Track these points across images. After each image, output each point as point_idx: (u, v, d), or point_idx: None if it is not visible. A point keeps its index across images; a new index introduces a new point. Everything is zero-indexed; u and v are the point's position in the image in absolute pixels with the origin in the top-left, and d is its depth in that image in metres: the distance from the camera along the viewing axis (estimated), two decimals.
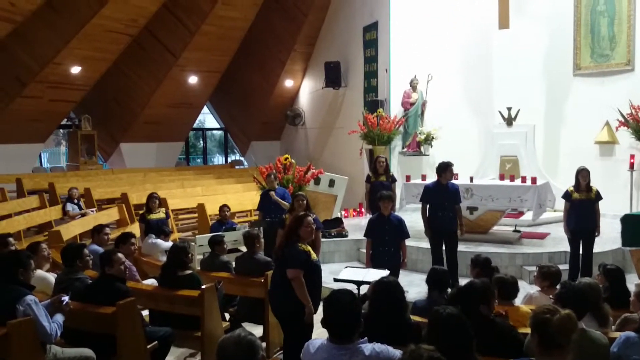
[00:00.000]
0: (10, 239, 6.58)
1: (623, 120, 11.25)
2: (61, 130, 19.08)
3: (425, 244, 9.16)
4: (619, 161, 11.58)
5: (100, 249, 6.55)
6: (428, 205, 8.06)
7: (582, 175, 7.90)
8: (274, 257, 5.26)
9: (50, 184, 12.74)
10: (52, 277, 5.81)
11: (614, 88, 11.79)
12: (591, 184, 7.93)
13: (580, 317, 3.68)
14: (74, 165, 15.72)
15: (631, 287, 4.95)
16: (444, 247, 8.02)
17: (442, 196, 7.93)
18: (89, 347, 4.79)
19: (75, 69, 13.93)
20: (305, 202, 7.81)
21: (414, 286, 7.93)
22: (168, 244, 7.55)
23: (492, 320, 3.97)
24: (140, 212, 9.44)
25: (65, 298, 4.60)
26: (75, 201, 11.44)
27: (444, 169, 7.93)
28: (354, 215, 12.59)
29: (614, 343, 3.69)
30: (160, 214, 9.09)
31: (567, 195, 8.00)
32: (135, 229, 9.69)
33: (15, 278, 4.41)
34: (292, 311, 4.84)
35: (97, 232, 7.21)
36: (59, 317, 4.50)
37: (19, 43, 12.78)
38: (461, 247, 8.26)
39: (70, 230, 9.46)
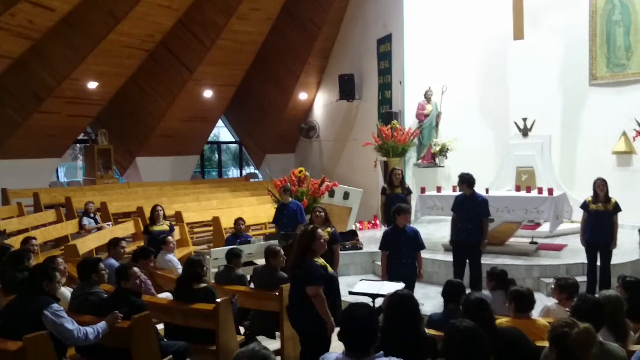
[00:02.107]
0: (30, 254, 6.66)
1: None
2: (78, 145, 19.26)
3: (441, 256, 9.16)
4: (637, 171, 11.45)
5: (117, 263, 6.61)
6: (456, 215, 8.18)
7: (597, 185, 7.84)
8: (289, 274, 5.22)
9: (66, 198, 12.84)
10: (67, 291, 5.84)
11: (631, 98, 11.68)
12: (610, 195, 7.84)
13: (597, 330, 3.62)
14: (91, 179, 15.85)
15: None
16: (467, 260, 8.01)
17: (462, 207, 8.01)
18: None
19: (92, 84, 14.09)
20: (323, 214, 7.77)
21: (430, 299, 7.87)
22: (179, 267, 7.59)
23: (508, 331, 3.92)
24: None
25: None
26: (92, 215, 11.52)
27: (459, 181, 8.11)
28: (368, 228, 12.54)
29: (633, 356, 3.62)
30: (163, 226, 9.11)
31: (584, 206, 7.95)
32: None
33: (41, 289, 4.56)
34: (314, 329, 4.82)
35: (113, 245, 7.26)
36: (102, 324, 4.63)
37: (37, 59, 12.97)
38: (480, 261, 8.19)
39: (86, 244, 9.51)
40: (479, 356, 3.14)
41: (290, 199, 9.26)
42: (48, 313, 4.37)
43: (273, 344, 6.16)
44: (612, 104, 11.92)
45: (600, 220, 7.76)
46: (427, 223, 11.56)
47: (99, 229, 11.15)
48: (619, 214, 7.83)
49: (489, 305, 4.10)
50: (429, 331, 4.24)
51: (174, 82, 15.52)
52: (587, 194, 8.08)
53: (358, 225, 12.23)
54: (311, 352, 4.79)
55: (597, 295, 4.53)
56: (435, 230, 11.19)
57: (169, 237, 8.33)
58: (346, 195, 11.36)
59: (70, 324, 4.44)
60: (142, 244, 9.03)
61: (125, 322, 4.77)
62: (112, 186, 15.34)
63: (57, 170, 17.27)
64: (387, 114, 13.47)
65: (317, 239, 4.98)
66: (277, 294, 6.00)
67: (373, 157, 13.28)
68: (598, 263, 7.86)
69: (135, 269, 5.33)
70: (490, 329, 3.82)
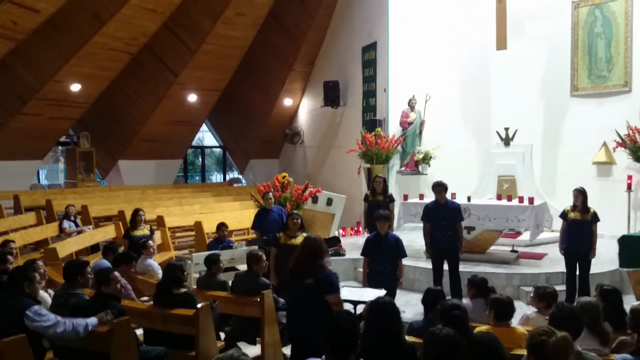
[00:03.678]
0: (9, 257, 6.58)
1: (620, 141, 11.28)
2: (60, 147, 19.10)
3: (423, 264, 9.18)
4: (617, 182, 11.59)
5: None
6: (429, 224, 8.15)
7: (573, 194, 7.93)
8: (292, 281, 5.19)
9: (47, 200, 12.69)
10: (48, 296, 5.77)
11: (611, 109, 11.84)
12: (589, 205, 7.90)
13: (575, 338, 3.66)
14: (72, 182, 15.71)
15: (628, 309, 4.93)
16: (446, 267, 8.05)
17: (439, 215, 8.01)
18: None
19: (75, 87, 13.98)
20: (299, 221, 7.76)
21: (411, 306, 7.89)
22: (159, 272, 7.57)
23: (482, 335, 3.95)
24: None
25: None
26: (72, 218, 11.39)
27: (434, 187, 8.12)
28: (351, 234, 12.56)
29: None
30: (144, 231, 9.07)
31: (563, 215, 8.03)
32: None
33: (23, 290, 4.59)
34: None
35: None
36: (93, 320, 4.62)
37: (20, 61, 12.85)
38: (459, 267, 8.25)
39: (66, 248, 9.39)
40: None
41: (273, 204, 9.28)
42: (30, 313, 4.37)
43: (254, 350, 6.14)
44: (593, 115, 12.06)
45: (578, 230, 7.81)
46: (409, 230, 11.59)
47: (80, 232, 11.04)
48: (599, 224, 7.90)
49: (465, 308, 4.14)
50: (410, 338, 4.26)
51: (158, 85, 15.44)
52: (568, 203, 8.15)
53: (341, 231, 12.24)
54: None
55: (575, 304, 4.58)
56: (417, 238, 11.15)
57: (149, 242, 8.27)
58: (329, 202, 11.36)
59: (52, 320, 4.42)
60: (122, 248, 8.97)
61: (105, 326, 4.73)
62: (94, 189, 15.21)
63: (38, 173, 17.09)
64: (371, 121, 13.54)
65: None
66: (258, 299, 5.98)
67: (357, 164, 13.33)
68: (577, 272, 7.93)
69: (116, 273, 5.28)
70: (463, 328, 3.85)
